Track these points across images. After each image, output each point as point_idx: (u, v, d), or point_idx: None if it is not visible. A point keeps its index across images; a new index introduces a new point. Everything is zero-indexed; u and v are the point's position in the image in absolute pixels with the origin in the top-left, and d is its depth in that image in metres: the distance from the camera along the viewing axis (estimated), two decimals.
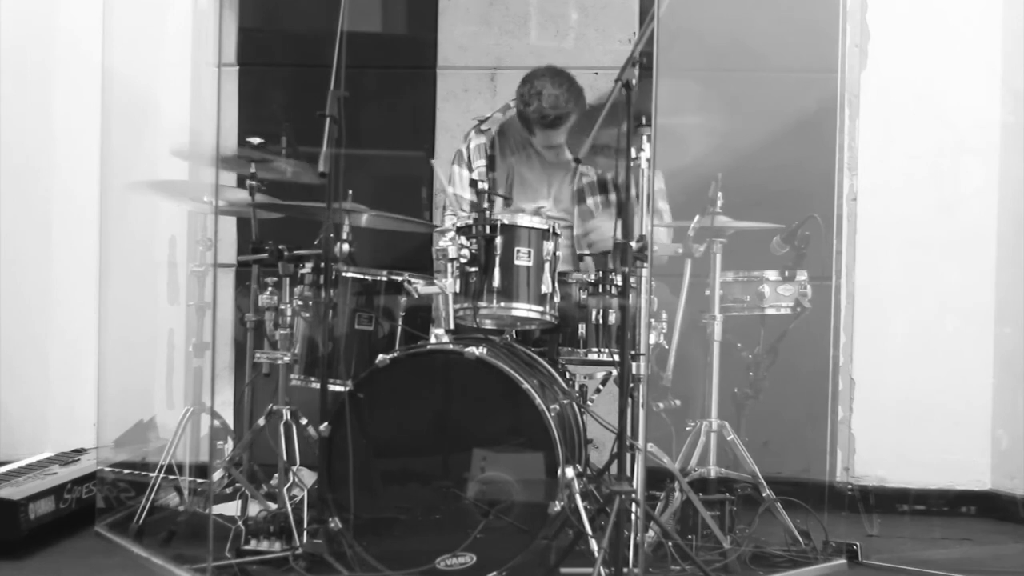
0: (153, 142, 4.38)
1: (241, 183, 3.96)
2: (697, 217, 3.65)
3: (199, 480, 3.83)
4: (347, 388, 3.35)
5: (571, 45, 4.52)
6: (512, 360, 3.36)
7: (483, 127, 4.18)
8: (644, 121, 3.14)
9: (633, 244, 3.10)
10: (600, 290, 3.50)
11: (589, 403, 3.72)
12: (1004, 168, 4.48)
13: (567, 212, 4.10)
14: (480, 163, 4.13)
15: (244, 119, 4.74)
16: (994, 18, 4.49)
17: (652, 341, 3.50)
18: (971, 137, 4.50)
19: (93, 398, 4.40)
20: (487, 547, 3.20)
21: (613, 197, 4.03)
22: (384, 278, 3.57)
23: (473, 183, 4.10)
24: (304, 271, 3.58)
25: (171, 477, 3.78)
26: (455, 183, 4.16)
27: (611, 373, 3.72)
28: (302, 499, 3.41)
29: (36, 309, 4.81)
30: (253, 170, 3.76)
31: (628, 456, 3.02)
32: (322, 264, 3.43)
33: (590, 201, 4.07)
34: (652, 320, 3.44)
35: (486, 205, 3.46)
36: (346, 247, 3.49)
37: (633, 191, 3.14)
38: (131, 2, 4.36)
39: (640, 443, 3.10)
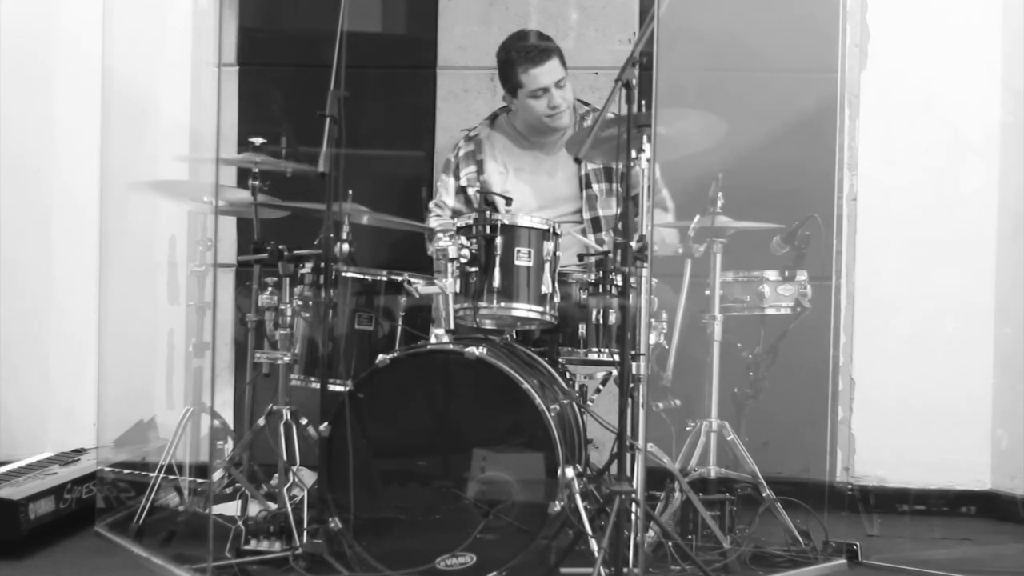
0: (153, 142, 4.38)
1: (243, 183, 3.96)
2: (697, 217, 3.65)
3: (199, 480, 3.83)
4: (347, 388, 3.35)
5: (571, 45, 4.51)
6: (512, 360, 3.36)
7: (471, 133, 4.24)
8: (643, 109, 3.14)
9: (633, 244, 3.10)
10: (600, 290, 3.49)
11: (589, 403, 3.72)
12: (1004, 168, 4.47)
13: (571, 196, 4.12)
14: (470, 169, 4.16)
15: (244, 119, 4.73)
16: (994, 18, 4.48)
17: (652, 341, 3.50)
18: (971, 137, 4.49)
19: (93, 398, 4.40)
20: (487, 547, 3.20)
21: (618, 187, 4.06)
22: (384, 278, 3.57)
23: (462, 189, 4.15)
24: (304, 271, 3.59)
25: (171, 477, 3.78)
26: (440, 191, 4.22)
27: (611, 373, 3.72)
28: (302, 499, 3.41)
29: (36, 309, 4.79)
30: (255, 170, 3.77)
31: (628, 456, 3.02)
32: (322, 264, 3.43)
33: (596, 188, 4.10)
34: (652, 320, 3.44)
35: (486, 206, 3.47)
36: (346, 247, 3.50)
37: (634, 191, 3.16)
38: (131, 2, 4.36)
39: (640, 443, 3.10)
